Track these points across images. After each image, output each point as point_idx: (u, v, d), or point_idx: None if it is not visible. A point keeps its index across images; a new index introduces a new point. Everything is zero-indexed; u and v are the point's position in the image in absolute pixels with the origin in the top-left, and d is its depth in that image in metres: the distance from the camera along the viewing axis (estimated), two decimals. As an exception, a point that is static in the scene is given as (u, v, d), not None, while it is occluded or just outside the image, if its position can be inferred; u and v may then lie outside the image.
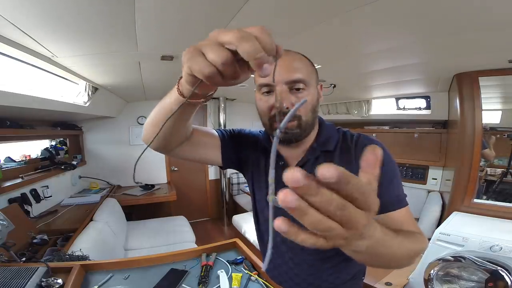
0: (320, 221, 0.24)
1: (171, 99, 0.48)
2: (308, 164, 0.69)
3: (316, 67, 0.68)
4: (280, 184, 0.24)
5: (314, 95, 0.64)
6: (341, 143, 0.68)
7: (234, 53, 0.31)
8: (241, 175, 4.36)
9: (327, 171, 0.22)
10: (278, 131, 0.45)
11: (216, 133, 0.77)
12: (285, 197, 0.23)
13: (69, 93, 2.06)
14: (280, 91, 0.58)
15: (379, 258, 0.42)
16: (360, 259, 0.43)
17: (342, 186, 0.23)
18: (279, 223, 0.26)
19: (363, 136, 0.68)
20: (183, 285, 0.86)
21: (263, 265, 0.43)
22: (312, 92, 0.63)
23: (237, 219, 3.16)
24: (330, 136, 0.69)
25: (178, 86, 0.44)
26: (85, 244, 1.55)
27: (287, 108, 0.57)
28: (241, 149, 0.78)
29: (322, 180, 0.22)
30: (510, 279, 1.26)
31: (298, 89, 0.60)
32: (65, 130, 2.77)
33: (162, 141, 0.60)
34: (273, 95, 0.60)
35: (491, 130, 1.93)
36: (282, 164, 0.71)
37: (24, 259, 1.09)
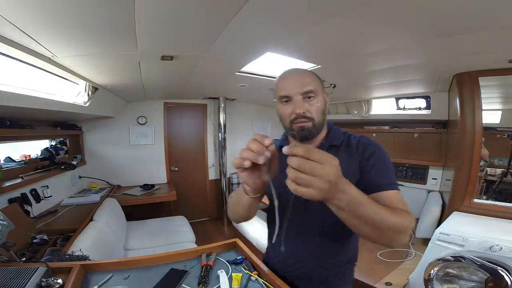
0: (296, 173, 0.50)
1: (242, 197, 0.75)
2: None
3: (321, 80, 0.86)
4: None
5: (322, 101, 0.82)
6: (345, 141, 0.86)
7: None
8: (241, 175, 4.44)
9: (294, 149, 0.50)
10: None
11: None
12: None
13: (69, 93, 2.05)
14: (296, 100, 0.77)
15: (360, 218, 0.57)
16: (344, 217, 0.58)
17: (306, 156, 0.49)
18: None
19: (364, 137, 0.85)
20: (183, 285, 0.86)
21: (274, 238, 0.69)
22: (320, 99, 0.81)
23: (237, 219, 3.15)
24: (336, 135, 0.87)
25: (244, 189, 0.72)
26: (85, 244, 1.55)
27: (303, 112, 0.76)
28: None
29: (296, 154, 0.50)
30: (510, 279, 1.26)
31: (309, 97, 0.78)
32: (65, 130, 2.77)
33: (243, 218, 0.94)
34: (291, 104, 0.79)
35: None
36: None
37: (24, 259, 1.09)
